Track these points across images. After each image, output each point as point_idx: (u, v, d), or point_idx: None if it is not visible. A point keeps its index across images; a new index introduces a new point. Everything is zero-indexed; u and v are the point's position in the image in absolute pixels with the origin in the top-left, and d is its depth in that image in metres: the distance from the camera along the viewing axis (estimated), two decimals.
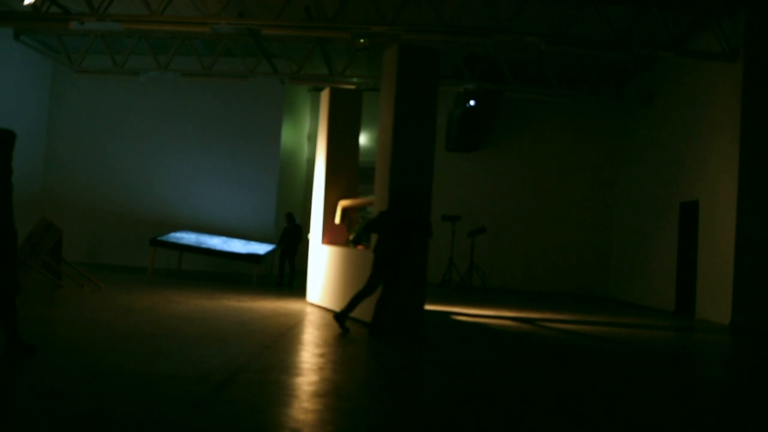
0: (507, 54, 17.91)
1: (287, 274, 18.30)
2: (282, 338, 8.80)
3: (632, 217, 19.89)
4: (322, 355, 7.70)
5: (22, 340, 6.35)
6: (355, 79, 19.39)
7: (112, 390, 5.38)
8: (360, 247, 11.94)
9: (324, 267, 12.88)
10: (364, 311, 10.42)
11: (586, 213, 21.39)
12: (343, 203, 13.12)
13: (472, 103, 19.48)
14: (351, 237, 12.57)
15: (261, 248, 18.08)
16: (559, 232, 21.32)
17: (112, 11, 14.37)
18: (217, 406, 5.04)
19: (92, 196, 20.99)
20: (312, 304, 13.13)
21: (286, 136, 21.33)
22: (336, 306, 11.93)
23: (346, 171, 13.50)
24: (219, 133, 20.96)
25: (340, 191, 13.37)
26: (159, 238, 17.63)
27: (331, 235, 13.26)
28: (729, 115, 14.56)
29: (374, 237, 10.23)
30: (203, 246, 17.63)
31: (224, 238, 18.96)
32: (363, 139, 22.31)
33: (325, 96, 13.71)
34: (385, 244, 9.37)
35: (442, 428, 4.91)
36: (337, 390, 5.87)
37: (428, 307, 12.98)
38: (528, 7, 13.95)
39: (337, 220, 13.16)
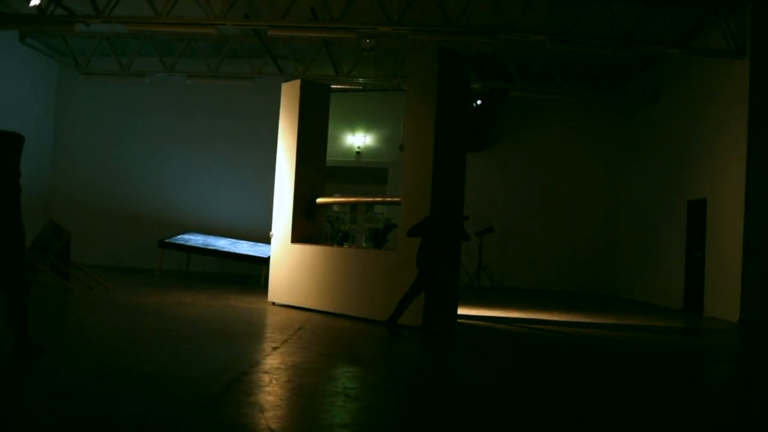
0: (513, 53, 17.88)
1: None
2: (290, 339, 8.79)
3: (639, 215, 19.82)
4: (330, 356, 7.70)
5: (31, 341, 6.36)
6: (361, 80, 19.40)
7: (120, 391, 5.38)
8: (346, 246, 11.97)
9: (300, 266, 12.42)
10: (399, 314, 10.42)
11: (593, 211, 21.33)
12: (323, 200, 13.03)
13: (478, 102, 19.45)
14: (339, 235, 12.52)
15: (268, 249, 18.07)
16: (567, 231, 21.25)
17: (118, 13, 14.38)
18: (224, 407, 5.03)
19: (99, 199, 21.01)
20: (278, 305, 12.70)
21: None
22: (319, 306, 11.91)
23: (315, 167, 13.17)
24: (225, 135, 20.97)
25: (311, 188, 13.00)
26: (167, 240, 17.65)
27: (303, 233, 12.81)
28: (736, 112, 14.51)
29: (403, 238, 10.25)
30: (211, 247, 17.63)
31: (232, 240, 18.97)
32: (368, 140, 22.32)
33: (290, 89, 13.20)
34: (430, 247, 9.51)
35: (451, 428, 4.90)
36: (346, 390, 5.87)
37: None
38: (534, 6, 13.92)
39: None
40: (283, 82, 18.11)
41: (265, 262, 16.93)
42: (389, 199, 12.56)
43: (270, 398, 5.43)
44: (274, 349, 7.89)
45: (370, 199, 14.19)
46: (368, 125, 22.42)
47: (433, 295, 9.63)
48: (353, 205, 25.55)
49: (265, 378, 6.14)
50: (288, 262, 12.74)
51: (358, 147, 22.33)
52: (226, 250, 17.57)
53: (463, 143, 10.83)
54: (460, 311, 13.10)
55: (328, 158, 22.47)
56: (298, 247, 12.60)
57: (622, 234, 21.03)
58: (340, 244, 12.41)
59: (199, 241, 18.17)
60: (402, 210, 10.81)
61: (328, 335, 9.40)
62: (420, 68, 10.83)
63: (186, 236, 18.55)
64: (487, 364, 8.05)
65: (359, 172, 25.12)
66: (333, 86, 21.02)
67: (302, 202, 12.86)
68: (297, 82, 13.12)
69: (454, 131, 10.61)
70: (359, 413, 5.17)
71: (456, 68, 10.72)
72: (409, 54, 18.70)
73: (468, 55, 11.06)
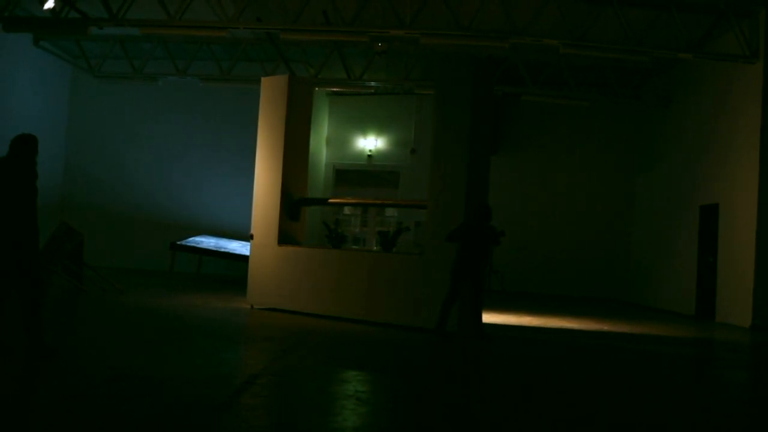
0: (525, 57, 17.85)
1: None
2: (300, 342, 8.81)
3: (651, 220, 19.75)
4: (340, 359, 7.70)
5: (44, 343, 6.39)
6: (373, 83, 19.41)
7: (132, 393, 5.40)
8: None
9: (293, 269, 11.94)
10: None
11: (604, 216, 21.25)
12: (347, 201, 12.92)
13: None
14: (334, 236, 12.39)
15: None
16: (578, 236, 21.18)
17: (131, 16, 14.43)
18: (236, 410, 5.04)
19: (112, 201, 21.08)
20: (259, 308, 12.17)
21: None
22: (318, 310, 11.46)
23: (300, 166, 12.77)
24: (238, 138, 20.99)
25: (297, 188, 12.59)
26: (178, 243, 17.69)
27: (290, 235, 12.33)
28: (749, 117, 14.43)
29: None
30: (222, 250, 17.67)
31: (243, 242, 18.98)
32: (380, 143, 22.33)
33: (273, 84, 12.66)
34: (470, 252, 9.70)
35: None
36: (357, 393, 5.87)
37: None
38: (546, 10, 13.89)
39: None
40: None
41: None
42: (415, 202, 12.53)
43: (281, 401, 5.45)
44: (284, 351, 7.91)
45: (396, 202, 14.06)
46: (380, 128, 22.43)
47: (457, 300, 9.74)
48: (364, 208, 25.54)
49: (276, 380, 6.15)
50: (275, 264, 12.17)
51: (370, 150, 22.35)
52: (237, 252, 17.61)
53: (488, 150, 11.04)
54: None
55: (339, 161, 22.83)
56: (289, 249, 12.13)
57: (634, 239, 20.94)
58: (338, 246, 12.27)
59: (211, 244, 18.21)
60: (428, 215, 10.82)
61: (337, 339, 9.40)
62: (451, 75, 10.89)
63: (198, 238, 18.60)
64: (499, 370, 8.05)
65: (370, 175, 25.14)
66: (345, 90, 21.18)
67: (288, 202, 12.35)
68: (282, 78, 12.74)
69: (482, 138, 10.79)
70: (370, 416, 5.18)
71: (484, 76, 10.91)
72: (420, 58, 18.72)
73: (492, 62, 11.21)
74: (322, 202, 13.82)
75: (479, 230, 9.81)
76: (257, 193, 12.68)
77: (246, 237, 19.86)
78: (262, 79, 13.12)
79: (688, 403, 6.65)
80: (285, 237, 12.26)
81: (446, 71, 11.07)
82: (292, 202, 12.43)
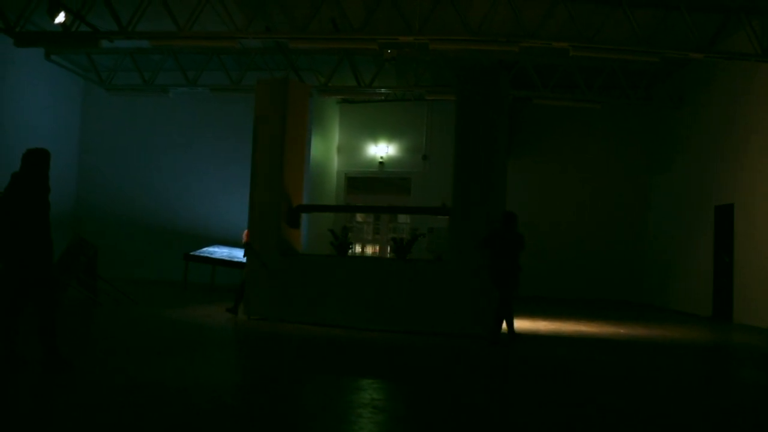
0: (535, 60, 17.81)
1: None
2: (314, 350, 8.79)
3: (666, 221, 19.64)
4: (355, 367, 7.67)
5: (60, 355, 6.40)
6: (383, 90, 19.41)
7: (148, 403, 5.39)
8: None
9: (299, 278, 11.61)
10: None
11: (619, 218, 21.17)
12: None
13: None
14: (339, 243, 12.27)
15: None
16: (592, 239, 21.10)
17: (141, 28, 14.50)
18: (252, 417, 5.02)
19: (125, 212, 21.16)
20: (257, 319, 11.81)
21: (316, 148, 21.36)
22: (327, 319, 11.20)
23: (297, 172, 12.46)
24: (249, 147, 21.00)
25: (296, 195, 12.30)
26: (192, 253, 17.71)
27: (292, 243, 12.09)
28: (762, 115, 14.35)
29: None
30: (235, 260, 17.68)
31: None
32: (391, 149, 22.33)
33: (269, 88, 12.39)
34: (502, 259, 9.86)
35: None
36: (374, 401, 5.84)
37: None
38: (555, 13, 13.86)
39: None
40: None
41: None
42: (432, 209, 12.53)
43: (297, 409, 5.42)
44: (299, 359, 7.89)
45: (419, 209, 14.04)
46: (391, 135, 22.46)
47: (508, 305, 9.96)
48: (376, 215, 25.56)
49: (292, 389, 6.13)
50: (278, 274, 11.81)
51: (381, 157, 22.36)
52: None
53: (505, 154, 11.17)
54: None
55: (351, 169, 22.85)
56: (292, 258, 11.88)
57: (648, 240, 20.83)
58: (343, 254, 12.19)
59: (224, 254, 18.23)
60: (451, 220, 10.85)
61: (351, 347, 9.37)
62: (473, 80, 10.94)
63: (211, 249, 18.62)
64: (515, 375, 8.00)
65: (382, 182, 25.17)
66: (355, 97, 21.20)
67: (287, 209, 12.09)
68: (279, 81, 12.53)
69: (502, 143, 10.94)
70: (387, 424, 5.15)
71: (503, 81, 11.11)
72: (430, 64, 18.70)
73: (504, 68, 11.35)
74: (323, 208, 13.68)
75: (508, 237, 9.92)
76: (253, 199, 12.32)
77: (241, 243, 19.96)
78: (257, 82, 12.82)
79: (708, 405, 6.59)
80: (286, 246, 12.04)
81: (468, 77, 11.09)
82: (291, 208, 12.22)
